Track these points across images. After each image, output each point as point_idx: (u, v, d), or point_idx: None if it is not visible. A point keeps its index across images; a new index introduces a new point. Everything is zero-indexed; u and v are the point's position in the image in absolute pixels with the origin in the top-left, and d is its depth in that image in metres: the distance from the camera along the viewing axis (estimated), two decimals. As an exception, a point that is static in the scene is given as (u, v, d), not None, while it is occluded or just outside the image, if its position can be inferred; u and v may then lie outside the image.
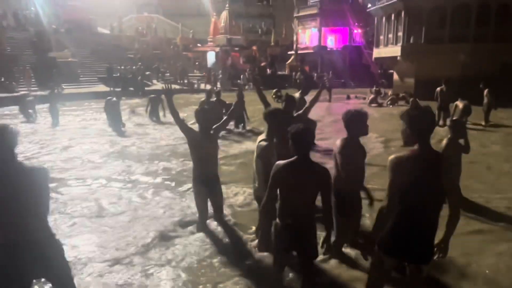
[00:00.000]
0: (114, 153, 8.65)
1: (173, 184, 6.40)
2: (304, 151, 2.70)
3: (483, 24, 18.60)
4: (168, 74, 29.66)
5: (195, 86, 26.89)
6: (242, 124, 11.39)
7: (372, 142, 9.09)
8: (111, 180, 6.62)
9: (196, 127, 4.38)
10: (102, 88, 22.00)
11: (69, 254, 3.54)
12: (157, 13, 43.57)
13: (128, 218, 4.98)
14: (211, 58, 35.53)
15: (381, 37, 23.49)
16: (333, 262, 3.82)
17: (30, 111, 13.40)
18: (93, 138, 10.27)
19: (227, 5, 37.28)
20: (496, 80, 14.31)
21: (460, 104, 11.19)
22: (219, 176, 4.62)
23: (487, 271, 3.73)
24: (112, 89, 15.80)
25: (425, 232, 2.38)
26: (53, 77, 21.04)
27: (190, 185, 5.88)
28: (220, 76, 29.05)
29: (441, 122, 11.74)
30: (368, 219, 4.56)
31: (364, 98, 19.83)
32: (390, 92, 21.08)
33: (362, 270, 3.51)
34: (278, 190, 2.79)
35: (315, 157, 2.77)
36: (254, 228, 4.47)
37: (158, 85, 23.82)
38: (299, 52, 34.93)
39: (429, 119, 2.43)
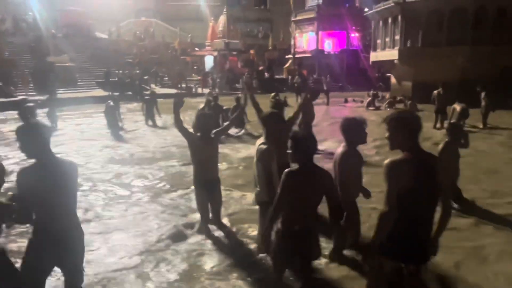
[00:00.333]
0: (111, 157, 8.67)
1: (169, 187, 6.41)
2: (308, 158, 2.72)
3: (481, 27, 18.70)
4: (167, 78, 29.69)
5: (193, 90, 26.93)
6: (242, 129, 11.44)
7: (366, 146, 9.06)
8: (106, 184, 6.63)
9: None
10: (100, 92, 22.02)
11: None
12: (156, 18, 43.66)
13: (123, 221, 5.00)
14: (209, 62, 35.59)
15: (378, 41, 23.57)
16: (332, 264, 3.84)
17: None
18: (90, 142, 10.29)
19: (225, 10, 37.38)
20: (495, 83, 14.40)
21: (457, 107, 11.23)
22: (220, 180, 4.64)
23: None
24: (110, 93, 15.94)
25: (423, 233, 2.40)
26: (50, 82, 21.02)
27: (188, 188, 5.91)
28: (219, 80, 29.10)
29: (438, 125, 11.81)
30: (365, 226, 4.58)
31: (362, 102, 19.91)
32: (387, 95, 21.17)
33: (361, 272, 3.54)
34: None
35: (314, 159, 2.79)
36: (255, 231, 4.49)
37: (156, 89, 23.86)
38: (296, 56, 35.04)
39: (417, 121, 2.43)
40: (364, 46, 34.52)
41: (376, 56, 24.02)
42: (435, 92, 11.98)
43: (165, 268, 3.87)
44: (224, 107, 11.58)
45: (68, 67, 24.94)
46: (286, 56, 36.53)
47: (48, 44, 25.97)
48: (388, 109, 17.63)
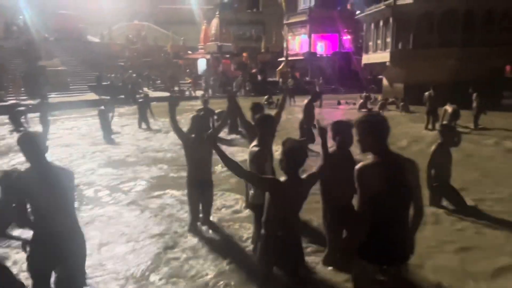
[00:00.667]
0: (102, 160, 8.62)
1: (160, 190, 6.39)
2: (296, 168, 2.77)
3: (471, 29, 18.94)
4: (159, 81, 29.63)
5: (187, 93, 26.90)
6: (235, 130, 11.42)
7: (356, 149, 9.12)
8: (99, 188, 6.59)
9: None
10: (92, 96, 21.90)
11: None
12: (148, 21, 43.63)
13: (113, 224, 4.99)
14: (202, 65, 35.59)
15: (370, 43, 23.75)
16: (326, 268, 3.83)
17: (22, 120, 13.30)
18: (82, 146, 10.22)
19: (217, 13, 37.49)
20: (485, 84, 14.55)
21: (449, 108, 11.33)
22: (212, 181, 4.75)
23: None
24: (101, 97, 15.90)
25: (397, 234, 2.41)
26: (41, 86, 20.86)
27: (179, 191, 5.91)
28: (212, 83, 29.11)
29: (429, 126, 11.91)
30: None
31: (354, 104, 20.01)
32: (379, 97, 21.31)
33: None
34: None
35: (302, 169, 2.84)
36: (250, 232, 4.51)
37: (149, 93, 23.80)
38: (289, 58, 35.19)
39: (385, 123, 2.44)
40: (356, 48, 34.81)
41: (368, 58, 24.19)
42: (427, 93, 12.09)
43: (153, 268, 3.87)
44: (216, 111, 11.56)
45: (60, 71, 24.78)
46: (279, 59, 36.67)
47: (40, 48, 25.84)
48: (380, 111, 17.72)
